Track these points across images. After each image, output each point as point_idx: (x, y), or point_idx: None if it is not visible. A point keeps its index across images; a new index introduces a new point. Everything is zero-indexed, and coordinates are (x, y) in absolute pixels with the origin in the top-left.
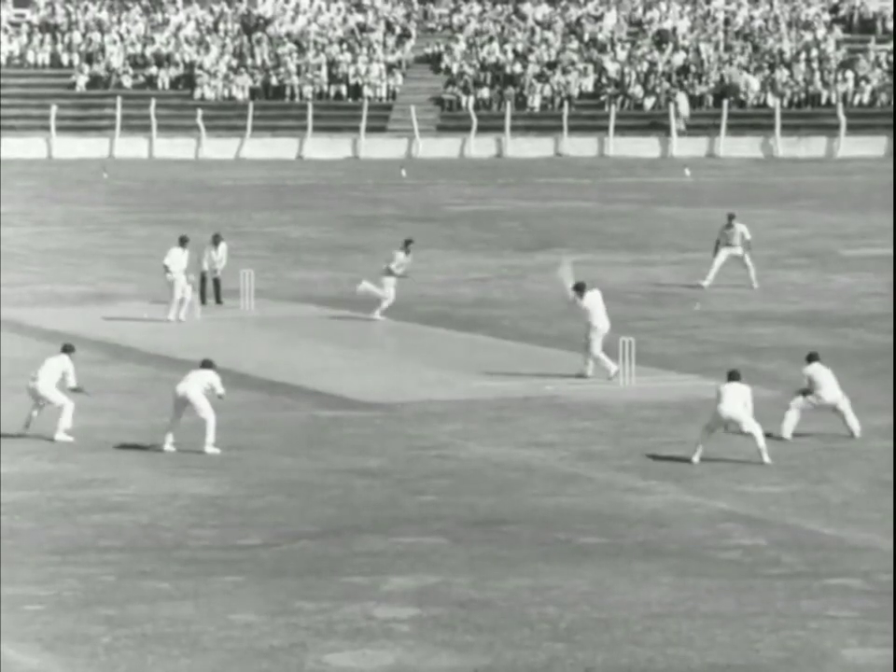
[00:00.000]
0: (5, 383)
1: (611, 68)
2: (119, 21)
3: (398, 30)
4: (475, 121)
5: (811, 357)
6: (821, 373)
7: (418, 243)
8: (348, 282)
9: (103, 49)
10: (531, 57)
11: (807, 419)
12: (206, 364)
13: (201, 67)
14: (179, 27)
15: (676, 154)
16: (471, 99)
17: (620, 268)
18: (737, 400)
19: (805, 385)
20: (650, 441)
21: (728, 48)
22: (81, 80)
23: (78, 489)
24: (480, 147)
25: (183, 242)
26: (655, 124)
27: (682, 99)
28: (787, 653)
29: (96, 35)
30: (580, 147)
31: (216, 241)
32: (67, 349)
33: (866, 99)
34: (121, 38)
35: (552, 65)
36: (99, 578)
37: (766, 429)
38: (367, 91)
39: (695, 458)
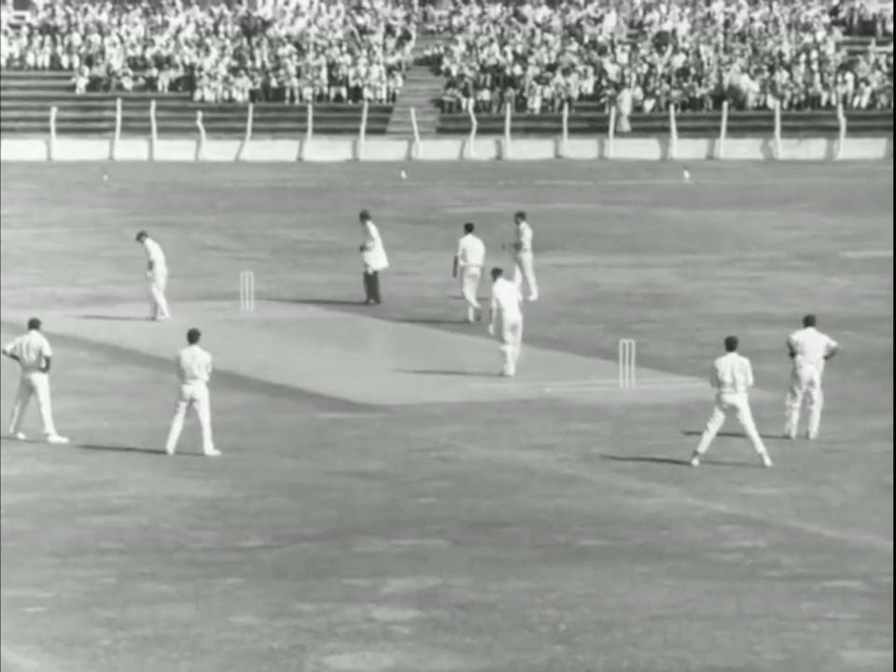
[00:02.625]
0: (4, 384)
1: (611, 70)
2: (119, 24)
3: (397, 32)
4: (475, 123)
5: (807, 321)
6: (808, 343)
7: (417, 245)
8: (349, 284)
9: (103, 52)
10: (531, 59)
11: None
12: (193, 337)
13: (201, 69)
14: (179, 29)
15: (676, 156)
16: (471, 101)
17: (619, 270)
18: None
19: (791, 348)
20: (649, 443)
21: (728, 50)
22: (81, 82)
23: (78, 491)
24: (480, 149)
25: (140, 236)
26: (595, 126)
27: (626, 98)
28: (787, 656)
29: (96, 38)
30: (580, 149)
31: (363, 218)
32: (35, 324)
33: (866, 101)
34: (121, 40)
35: (552, 67)
36: (99, 580)
37: (768, 432)
38: (367, 94)
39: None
